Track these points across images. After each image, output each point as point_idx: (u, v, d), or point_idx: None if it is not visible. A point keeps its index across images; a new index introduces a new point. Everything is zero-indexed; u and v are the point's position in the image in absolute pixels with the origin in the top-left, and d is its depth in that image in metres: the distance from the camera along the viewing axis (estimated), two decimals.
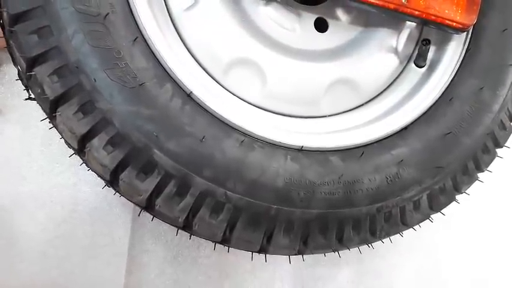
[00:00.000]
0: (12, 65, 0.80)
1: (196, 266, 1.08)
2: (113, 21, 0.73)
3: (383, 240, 0.91)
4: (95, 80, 0.70)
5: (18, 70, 0.78)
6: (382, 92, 1.02)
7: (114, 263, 1.04)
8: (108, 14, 0.73)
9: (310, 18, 0.97)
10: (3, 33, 0.77)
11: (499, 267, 1.29)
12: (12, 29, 0.71)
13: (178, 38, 0.87)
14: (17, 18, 0.71)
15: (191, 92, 0.77)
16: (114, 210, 1.05)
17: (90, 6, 0.72)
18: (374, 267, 1.19)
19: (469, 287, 1.25)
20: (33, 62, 0.72)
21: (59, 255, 1.01)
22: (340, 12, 0.99)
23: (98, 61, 0.71)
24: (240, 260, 1.11)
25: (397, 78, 1.03)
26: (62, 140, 0.78)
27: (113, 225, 1.05)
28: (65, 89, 0.71)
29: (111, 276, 1.03)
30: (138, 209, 0.81)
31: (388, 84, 1.02)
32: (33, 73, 0.72)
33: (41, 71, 0.71)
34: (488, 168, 0.98)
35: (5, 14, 0.72)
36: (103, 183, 0.80)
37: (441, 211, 0.94)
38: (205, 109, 0.78)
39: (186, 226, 0.78)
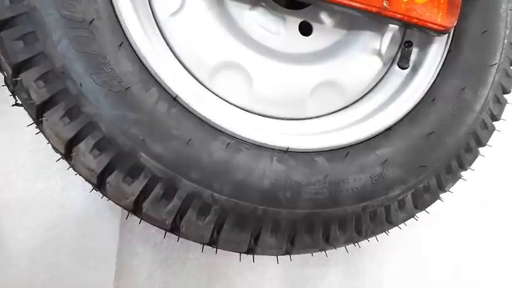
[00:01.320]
0: None
1: (186, 268, 1.09)
2: (98, 27, 0.74)
3: (369, 239, 0.92)
4: (81, 85, 0.71)
5: (4, 76, 0.78)
6: (366, 94, 1.03)
7: (103, 267, 1.04)
8: (93, 19, 0.73)
9: (294, 22, 0.99)
10: None
11: (484, 264, 1.31)
12: None
13: (164, 42, 0.88)
14: (2, 25, 0.71)
15: (177, 95, 0.77)
16: (102, 214, 1.05)
17: (76, 12, 0.73)
18: (361, 266, 1.20)
19: (455, 283, 1.27)
20: (19, 68, 0.72)
21: (47, 260, 1.01)
22: (324, 16, 1.01)
23: (83, 66, 0.71)
24: (229, 261, 1.11)
25: (381, 79, 1.04)
26: (49, 145, 0.78)
27: (101, 229, 1.05)
28: (51, 94, 0.71)
29: (100, 280, 1.03)
30: (126, 212, 0.81)
31: (372, 86, 1.04)
32: (19, 79, 0.72)
33: (27, 77, 0.72)
34: (471, 167, 1.00)
35: None
36: (91, 187, 0.80)
37: (426, 209, 0.96)
38: (191, 112, 0.78)
39: (174, 228, 0.79)
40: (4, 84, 0.81)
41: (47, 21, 0.71)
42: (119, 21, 0.77)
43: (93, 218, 1.05)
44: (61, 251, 1.02)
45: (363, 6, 0.88)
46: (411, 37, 1.03)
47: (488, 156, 1.03)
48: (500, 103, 1.02)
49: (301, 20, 0.99)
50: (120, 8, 0.77)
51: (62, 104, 0.72)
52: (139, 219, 0.80)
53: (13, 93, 0.79)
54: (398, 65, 1.03)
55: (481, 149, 1.01)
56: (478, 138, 0.99)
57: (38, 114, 0.74)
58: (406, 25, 0.95)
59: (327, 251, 0.90)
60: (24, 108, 0.77)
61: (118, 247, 1.06)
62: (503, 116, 1.04)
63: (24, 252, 1.00)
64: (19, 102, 0.78)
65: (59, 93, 0.71)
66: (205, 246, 0.84)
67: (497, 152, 1.08)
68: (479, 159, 1.01)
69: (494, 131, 1.03)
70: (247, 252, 0.83)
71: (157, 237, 1.08)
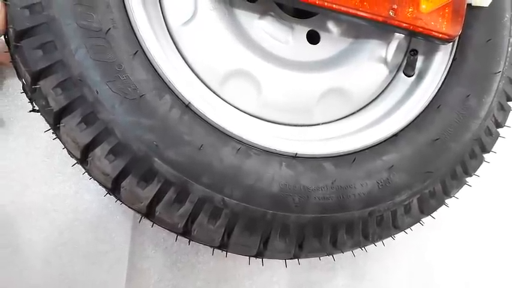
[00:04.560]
0: (15, 79, 0.83)
1: (195, 271, 1.10)
2: (114, 36, 0.76)
3: (376, 244, 0.94)
4: (97, 92, 0.73)
5: (23, 83, 0.81)
6: (373, 101, 1.05)
7: (115, 269, 1.06)
8: (109, 29, 0.76)
9: (302, 30, 1.01)
10: (9, 48, 0.80)
11: (490, 269, 1.32)
12: (18, 44, 0.74)
13: (177, 51, 0.90)
14: (22, 34, 0.74)
15: (189, 102, 0.80)
16: (115, 218, 1.07)
17: (92, 22, 0.75)
18: (368, 271, 1.22)
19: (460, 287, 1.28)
20: (38, 76, 0.74)
21: (61, 262, 1.03)
22: (331, 25, 1.03)
23: (100, 74, 0.73)
24: (238, 265, 1.13)
25: (387, 87, 1.06)
26: (64, 150, 0.81)
27: (114, 233, 1.07)
28: (68, 101, 0.74)
29: (112, 282, 1.05)
30: (138, 216, 0.83)
31: (378, 93, 1.06)
32: (38, 86, 0.75)
33: (46, 84, 0.74)
34: (476, 173, 1.01)
35: (11, 30, 0.75)
36: (104, 191, 0.82)
37: (431, 214, 0.97)
38: (203, 119, 0.80)
39: (185, 232, 0.80)
40: (22, 91, 0.83)
41: (65, 31, 0.73)
42: (133, 31, 0.79)
43: (106, 221, 1.07)
44: (75, 254, 1.04)
45: (369, 16, 0.90)
46: (417, 45, 1.05)
47: (493, 162, 1.04)
48: (504, 110, 1.04)
49: (309, 29, 1.01)
50: (134, 17, 0.80)
51: (79, 111, 0.74)
52: (151, 223, 0.82)
53: (31, 100, 0.81)
54: (404, 72, 1.05)
55: (485, 155, 1.03)
56: (483, 144, 1.00)
57: (56, 120, 0.76)
58: (411, 34, 0.97)
59: (334, 255, 0.92)
60: (42, 115, 0.79)
61: (130, 250, 1.07)
62: (507, 123, 1.05)
63: (39, 254, 1.02)
64: (36, 108, 0.80)
65: (76, 100, 0.74)
66: (215, 250, 0.86)
67: (501, 158, 1.09)
68: (483, 165, 1.02)
69: (499, 138, 1.04)
70: (257, 256, 0.85)
71: (168, 241, 1.10)
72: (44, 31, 0.74)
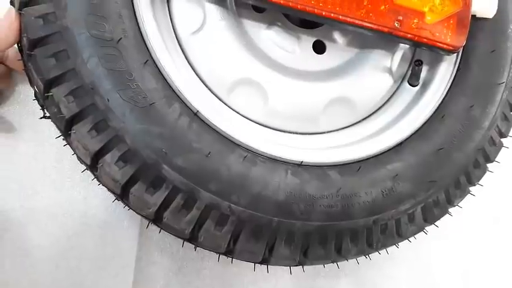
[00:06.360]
0: (26, 85, 0.85)
1: (201, 277, 1.11)
2: (125, 45, 0.78)
3: (380, 252, 0.94)
4: (108, 100, 0.74)
5: (35, 91, 0.82)
6: (377, 110, 1.06)
7: (122, 274, 1.07)
8: (120, 38, 0.77)
9: (308, 40, 1.02)
10: (22, 56, 0.82)
11: (493, 277, 1.32)
12: (31, 52, 0.76)
13: (185, 60, 0.92)
14: (36, 43, 0.75)
15: (198, 111, 0.81)
16: (122, 224, 1.08)
17: (104, 31, 0.77)
18: (371, 278, 1.22)
19: None
20: (50, 84, 0.76)
21: (70, 266, 1.04)
22: (337, 35, 1.05)
23: (111, 82, 0.75)
24: (243, 271, 1.13)
25: (391, 96, 1.07)
26: (74, 156, 0.82)
27: (121, 238, 1.08)
28: (80, 109, 0.75)
29: (119, 287, 1.06)
30: (145, 222, 0.84)
31: (383, 103, 1.07)
32: (50, 94, 0.76)
33: (58, 92, 0.75)
34: (480, 182, 1.02)
35: (24, 39, 0.77)
36: (112, 197, 0.83)
37: (435, 223, 0.98)
38: (210, 127, 0.81)
39: (192, 238, 0.81)
40: (34, 98, 0.85)
41: (78, 40, 0.75)
42: (144, 40, 0.81)
43: (113, 227, 1.08)
44: (83, 258, 1.05)
45: (374, 27, 0.91)
46: (421, 56, 1.06)
47: (496, 172, 1.05)
48: (508, 120, 1.05)
49: (315, 39, 1.03)
50: (145, 27, 0.81)
51: (90, 118, 0.75)
52: (157, 229, 0.83)
53: (43, 107, 0.83)
54: (408, 82, 1.05)
55: (489, 165, 1.03)
56: (486, 154, 1.01)
57: (67, 127, 0.77)
58: (416, 44, 0.97)
59: (338, 263, 0.93)
60: (53, 122, 0.81)
61: (136, 255, 1.08)
62: (511, 133, 1.06)
63: (48, 258, 1.03)
64: (47, 115, 0.82)
65: (87, 108, 0.75)
66: (220, 256, 0.87)
67: (505, 168, 1.10)
68: (487, 175, 1.03)
69: (502, 148, 1.05)
70: (262, 263, 0.86)
71: (174, 247, 1.11)
72: (57, 40, 0.75)
